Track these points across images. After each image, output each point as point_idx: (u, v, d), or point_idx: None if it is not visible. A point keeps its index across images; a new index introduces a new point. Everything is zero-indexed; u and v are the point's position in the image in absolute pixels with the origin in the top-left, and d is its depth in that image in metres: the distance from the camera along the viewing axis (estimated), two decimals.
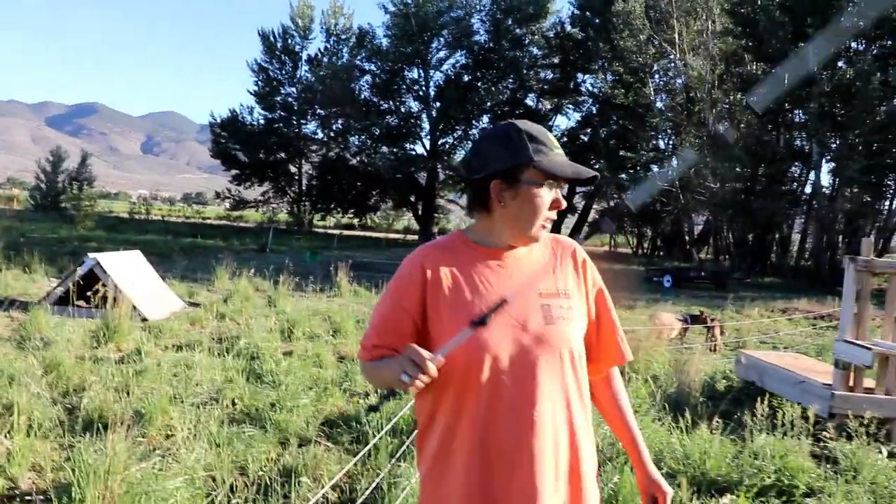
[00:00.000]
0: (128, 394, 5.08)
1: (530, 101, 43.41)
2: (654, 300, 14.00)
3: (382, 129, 40.32)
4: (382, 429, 4.23)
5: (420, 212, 43.93)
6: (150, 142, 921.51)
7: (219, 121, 43.42)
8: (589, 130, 41.17)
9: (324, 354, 6.78)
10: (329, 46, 43.71)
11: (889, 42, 24.40)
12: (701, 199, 27.37)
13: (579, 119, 43.00)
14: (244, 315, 8.91)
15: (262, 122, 43.97)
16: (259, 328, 7.78)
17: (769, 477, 4.09)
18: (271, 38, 43.38)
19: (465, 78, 41.98)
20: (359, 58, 42.27)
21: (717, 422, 4.83)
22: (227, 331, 7.96)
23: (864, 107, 22.42)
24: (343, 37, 43.79)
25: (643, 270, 22.64)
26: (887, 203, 27.33)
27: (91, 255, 8.65)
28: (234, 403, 5.19)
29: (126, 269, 8.93)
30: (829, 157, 24.78)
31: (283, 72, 44.07)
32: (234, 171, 44.03)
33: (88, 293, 7.97)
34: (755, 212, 24.28)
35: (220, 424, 4.53)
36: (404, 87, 42.39)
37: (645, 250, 42.56)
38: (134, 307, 7.95)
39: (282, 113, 43.91)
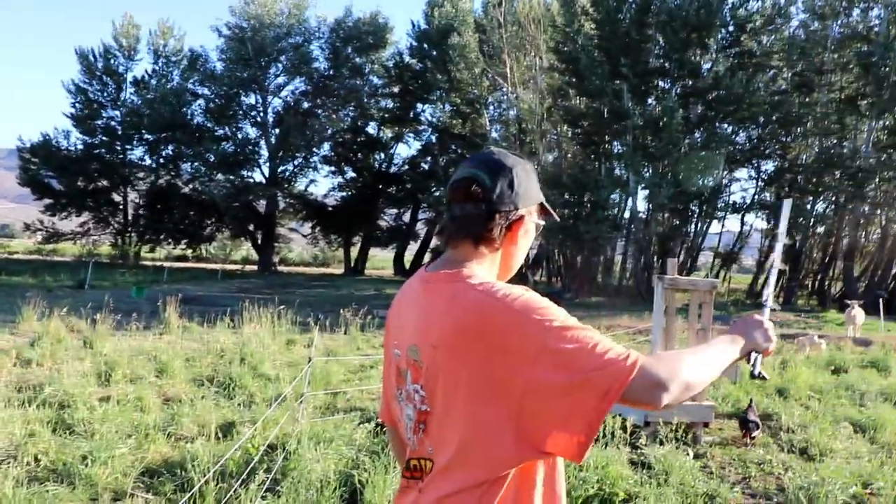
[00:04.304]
0: None
1: (371, 129, 43.85)
2: None
3: (217, 155, 38.66)
4: (209, 472, 3.97)
5: (259, 241, 42.51)
6: None
7: (28, 145, 39.32)
8: (429, 158, 42.23)
9: (147, 397, 6.27)
10: (157, 68, 41.33)
11: (689, 82, 27.44)
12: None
13: (420, 147, 44.07)
14: (53, 359, 8.04)
15: (80, 147, 40.40)
16: (72, 373, 7.05)
17: (592, 487, 4.32)
18: (91, 58, 40.22)
19: (305, 105, 41.54)
20: (191, 81, 40.39)
21: None
22: (34, 378, 7.14)
23: (671, 139, 24.93)
24: (173, 59, 41.63)
25: None
26: (693, 226, 30.52)
27: None
28: (37, 459, 4.64)
29: None
30: (643, 185, 27.24)
31: (105, 93, 40.94)
32: (46, 201, 39.94)
33: None
34: (582, 236, 26.07)
35: (17, 485, 4.01)
36: (241, 112, 41.09)
37: None
38: None
39: (104, 137, 40.62)
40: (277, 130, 40.43)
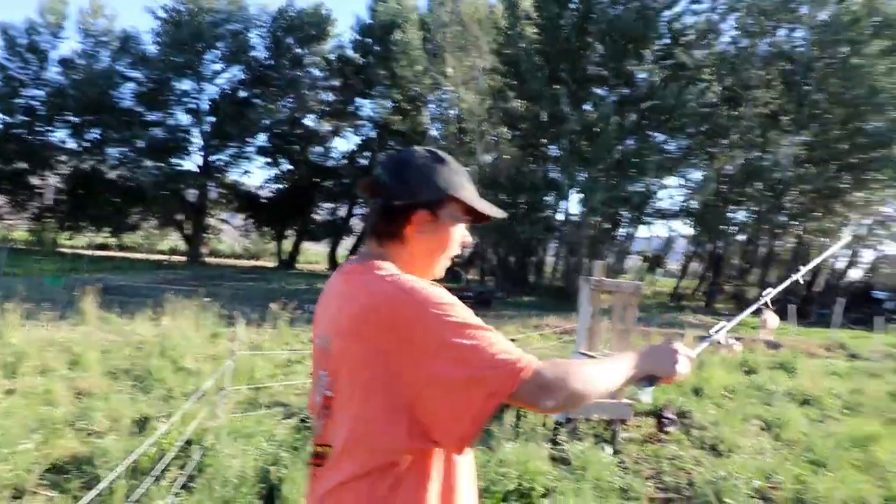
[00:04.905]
0: None
1: (310, 121, 43.22)
2: None
3: (147, 141, 37.29)
4: (118, 469, 3.82)
5: (188, 231, 41.26)
6: None
7: None
8: (368, 154, 41.93)
9: (57, 391, 5.99)
10: (86, 48, 39.50)
11: (626, 91, 28.17)
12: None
13: (359, 143, 43.69)
14: None
15: None
16: None
17: (512, 482, 4.39)
18: (13, 33, 38.11)
19: (242, 93, 40.56)
20: (121, 63, 38.81)
21: None
22: None
23: (605, 145, 25.54)
24: (103, 39, 39.87)
25: None
26: (623, 230, 31.37)
27: None
28: None
29: None
30: (577, 189, 27.81)
31: (28, 71, 38.88)
32: None
33: None
34: (516, 236, 26.42)
35: None
36: (173, 98, 39.74)
37: None
38: None
39: (24, 117, 38.59)
40: (212, 118, 39.34)
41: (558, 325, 14.50)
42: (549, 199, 29.26)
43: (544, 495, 4.36)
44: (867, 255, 31.41)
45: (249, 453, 4.47)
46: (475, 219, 1.52)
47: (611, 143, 25.73)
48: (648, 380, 1.48)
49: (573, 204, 29.23)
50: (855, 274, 32.20)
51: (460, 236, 1.50)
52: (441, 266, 1.51)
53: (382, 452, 1.28)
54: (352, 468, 1.29)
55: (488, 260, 33.63)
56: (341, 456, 1.32)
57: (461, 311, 1.26)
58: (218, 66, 40.09)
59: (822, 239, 28.98)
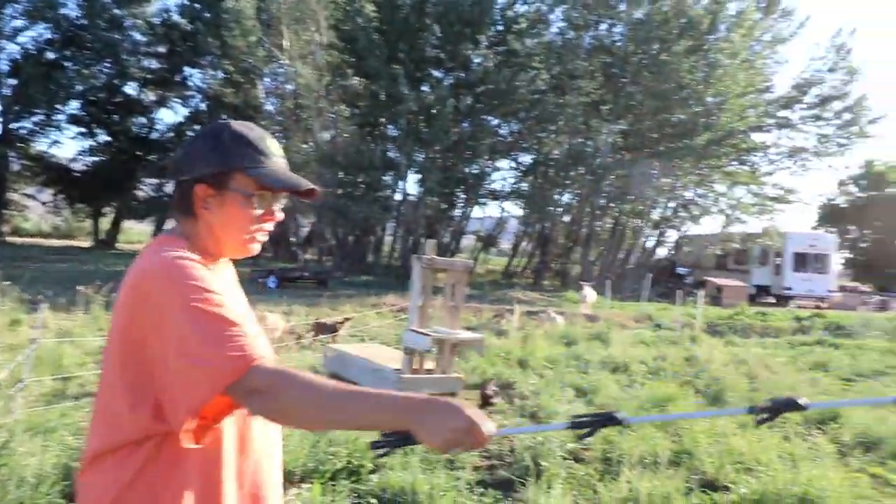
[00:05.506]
0: None
1: (131, 89, 39.79)
2: (260, 301, 13.97)
3: None
4: None
5: None
6: None
7: None
8: (197, 127, 39.44)
9: None
10: None
11: (462, 74, 28.86)
12: (307, 202, 28.50)
13: (187, 115, 41.03)
14: None
15: None
16: None
17: (341, 461, 4.41)
18: None
19: (50, 55, 36.38)
20: None
21: None
22: None
23: (442, 127, 26.06)
24: None
25: (248, 272, 22.49)
26: (459, 210, 32.34)
27: None
28: None
29: None
30: (415, 169, 28.17)
31: None
32: None
33: None
34: (354, 215, 26.31)
35: None
36: None
37: None
38: None
39: None
40: (13, 81, 35.00)
41: (395, 304, 14.70)
42: (388, 178, 29.38)
43: (373, 471, 4.42)
44: (672, 235, 34.96)
45: (51, 449, 4.09)
46: (295, 194, 1.45)
47: (447, 124, 26.29)
48: (403, 437, 1.23)
49: (411, 184, 29.62)
50: (662, 252, 35.73)
51: (260, 211, 1.41)
52: (246, 242, 1.42)
53: (124, 430, 1.24)
54: (97, 444, 1.25)
55: (326, 240, 33.19)
56: (92, 433, 1.29)
57: (211, 298, 1.22)
58: (19, 23, 35.65)
59: (636, 220, 31.78)
